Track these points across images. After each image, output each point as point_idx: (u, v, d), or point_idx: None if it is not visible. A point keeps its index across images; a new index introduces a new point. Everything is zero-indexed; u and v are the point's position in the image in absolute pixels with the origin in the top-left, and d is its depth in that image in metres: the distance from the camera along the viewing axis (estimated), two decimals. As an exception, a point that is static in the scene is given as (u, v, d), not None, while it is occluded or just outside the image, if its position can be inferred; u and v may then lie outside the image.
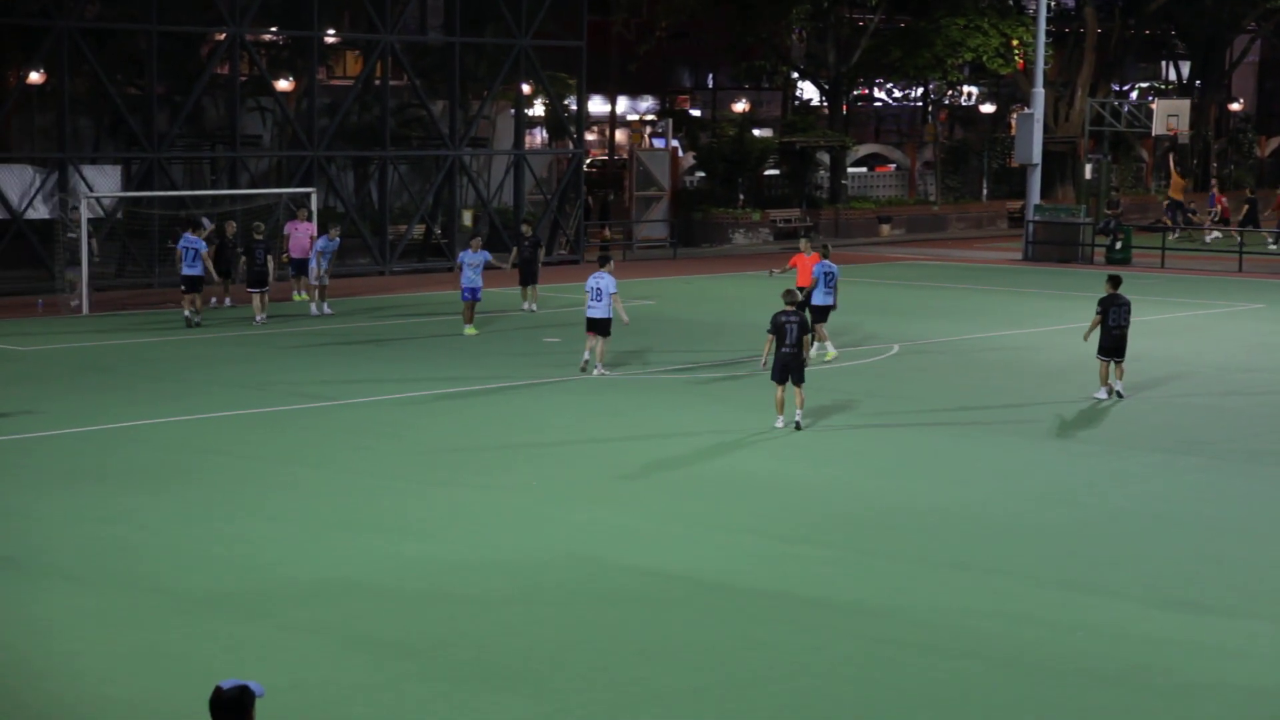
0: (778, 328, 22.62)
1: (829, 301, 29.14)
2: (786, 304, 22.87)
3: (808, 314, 26.54)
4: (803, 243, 30.84)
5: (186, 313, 33.13)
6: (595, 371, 27.08)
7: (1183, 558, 16.86)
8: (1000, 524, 17.97)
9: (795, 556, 16.54)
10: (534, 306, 35.93)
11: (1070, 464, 21.21)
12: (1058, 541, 17.26)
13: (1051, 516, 18.31)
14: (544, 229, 48.71)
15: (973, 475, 20.44)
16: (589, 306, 27.01)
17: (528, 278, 36.17)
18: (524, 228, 39.79)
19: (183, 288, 33.27)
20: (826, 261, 29.34)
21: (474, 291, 31.96)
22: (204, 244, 33.56)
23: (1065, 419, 24.26)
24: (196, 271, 33.09)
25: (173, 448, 21.29)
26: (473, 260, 32.12)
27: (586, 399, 25.12)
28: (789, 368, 22.60)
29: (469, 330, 31.97)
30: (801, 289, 28.74)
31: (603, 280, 27.00)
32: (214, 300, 35.97)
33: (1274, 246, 54.14)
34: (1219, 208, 60.77)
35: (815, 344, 28.57)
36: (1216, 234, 57.20)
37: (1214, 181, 65.30)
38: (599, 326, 27.05)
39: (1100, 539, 17.39)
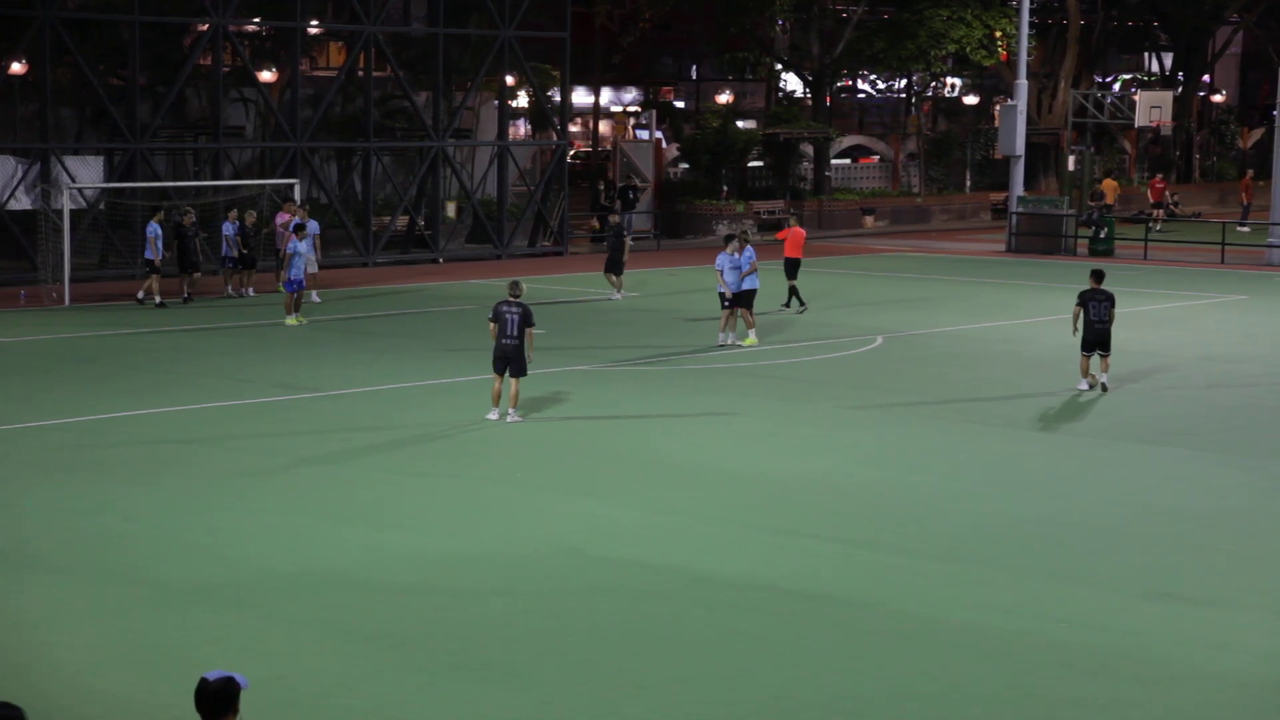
0: (498, 317, 22.18)
1: (755, 285, 30.04)
2: (511, 295, 22.42)
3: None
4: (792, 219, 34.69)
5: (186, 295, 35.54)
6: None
7: (1165, 549, 16.90)
8: (983, 515, 17.99)
9: (779, 548, 16.55)
10: (618, 295, 36.74)
11: (1053, 455, 21.26)
12: (1041, 532, 17.29)
13: (1034, 508, 18.34)
14: (528, 220, 48.70)
15: (955, 466, 20.47)
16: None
17: (610, 266, 37.05)
18: (611, 217, 40.26)
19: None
20: (749, 248, 30.29)
21: (295, 283, 32.12)
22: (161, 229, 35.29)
23: (1048, 410, 24.29)
24: (150, 255, 35.05)
25: (156, 439, 21.25)
26: (301, 249, 32.37)
27: (568, 390, 25.11)
28: (509, 359, 22.22)
29: (290, 321, 32.07)
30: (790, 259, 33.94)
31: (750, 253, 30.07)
32: (248, 290, 36.86)
33: (1245, 229, 54.60)
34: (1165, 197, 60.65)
35: (743, 329, 30.06)
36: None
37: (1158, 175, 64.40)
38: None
39: (1083, 530, 17.42)
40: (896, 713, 12.22)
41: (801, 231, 35.09)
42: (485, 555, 16.09)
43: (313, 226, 35.92)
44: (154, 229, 34.76)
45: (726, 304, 29.64)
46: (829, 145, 59.60)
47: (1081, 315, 25.23)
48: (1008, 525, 17.60)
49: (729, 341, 29.66)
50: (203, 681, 7.72)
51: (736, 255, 29.51)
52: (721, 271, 29.52)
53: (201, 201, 38.61)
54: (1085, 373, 25.50)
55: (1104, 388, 25.29)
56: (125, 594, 14.75)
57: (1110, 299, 25.25)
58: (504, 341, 22.18)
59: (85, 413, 22.99)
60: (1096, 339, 25.19)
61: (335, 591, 14.86)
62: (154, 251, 34.59)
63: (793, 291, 34.68)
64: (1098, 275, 25.66)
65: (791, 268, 34.72)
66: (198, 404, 23.65)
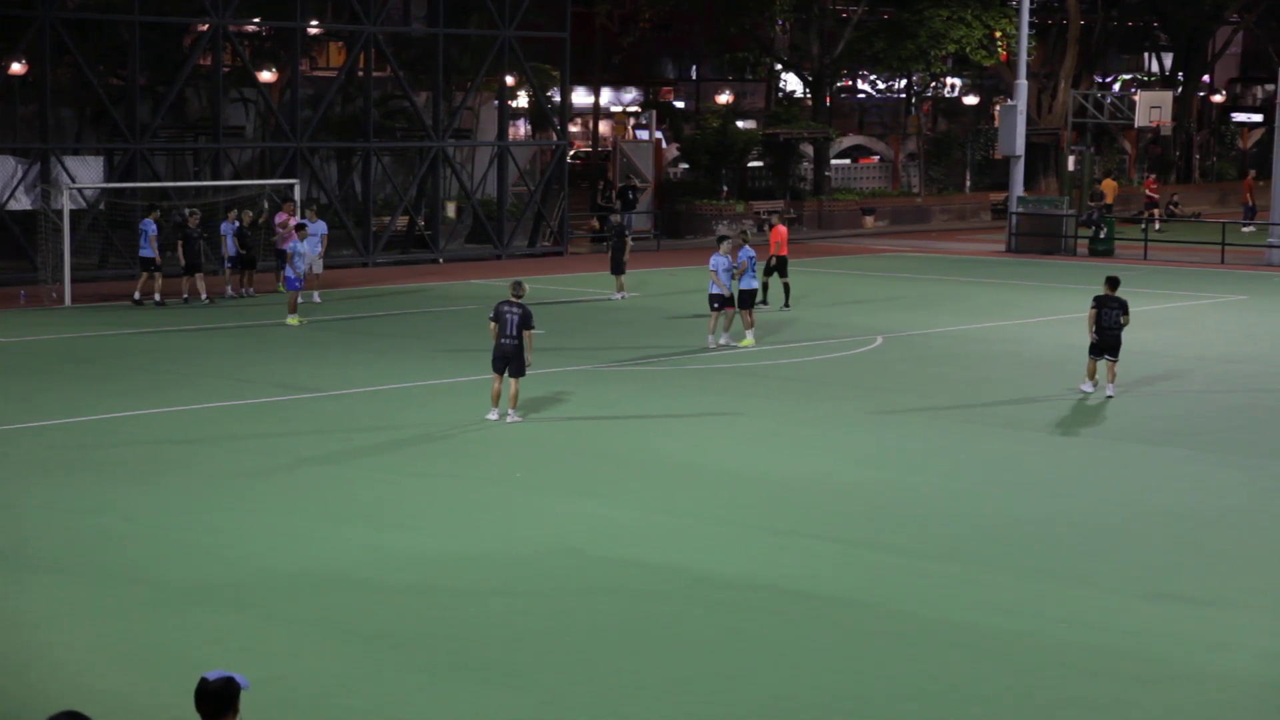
0: (499, 317, 22.32)
1: (754, 285, 30.27)
2: (513, 295, 22.53)
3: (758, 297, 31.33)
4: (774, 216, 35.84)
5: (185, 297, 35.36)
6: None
7: (1165, 549, 16.90)
8: (983, 515, 17.99)
9: (779, 548, 16.55)
10: (618, 295, 36.83)
11: (1053, 455, 21.26)
12: (1041, 532, 17.29)
13: (1034, 508, 18.34)
14: (528, 220, 48.68)
15: (955, 467, 20.47)
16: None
17: (612, 267, 37.35)
18: (612, 217, 40.44)
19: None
20: (747, 247, 30.26)
21: (295, 283, 32.32)
22: (155, 227, 34.91)
23: (1048, 411, 24.28)
24: (147, 254, 34.86)
25: (156, 439, 21.25)
26: (302, 249, 32.53)
27: (568, 390, 25.11)
28: (508, 359, 22.32)
29: (291, 320, 32.13)
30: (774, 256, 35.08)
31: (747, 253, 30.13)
32: (249, 290, 36.81)
33: (1249, 229, 54.59)
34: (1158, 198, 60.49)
35: (744, 331, 30.09)
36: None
37: (1152, 176, 64.20)
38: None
39: (1083, 530, 17.42)
40: (896, 713, 12.22)
41: (784, 229, 36.03)
42: (485, 555, 16.09)
43: (320, 227, 36.00)
44: (150, 226, 34.58)
45: (716, 306, 29.48)
46: (829, 145, 59.59)
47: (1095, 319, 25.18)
48: (1008, 525, 17.60)
49: (724, 342, 29.56)
50: (203, 681, 7.71)
51: (729, 258, 29.39)
52: (717, 273, 29.45)
53: (201, 201, 38.58)
54: (1091, 375, 25.46)
55: (1109, 395, 25.15)
56: (125, 594, 14.74)
57: (1122, 306, 25.14)
58: (503, 341, 22.25)
59: (85, 413, 22.99)
60: (1105, 344, 25.15)
61: (335, 591, 14.86)
62: (152, 249, 34.46)
63: (785, 289, 35.33)
64: (1112, 282, 25.60)
65: (783, 265, 35.36)
66: (198, 404, 23.64)
